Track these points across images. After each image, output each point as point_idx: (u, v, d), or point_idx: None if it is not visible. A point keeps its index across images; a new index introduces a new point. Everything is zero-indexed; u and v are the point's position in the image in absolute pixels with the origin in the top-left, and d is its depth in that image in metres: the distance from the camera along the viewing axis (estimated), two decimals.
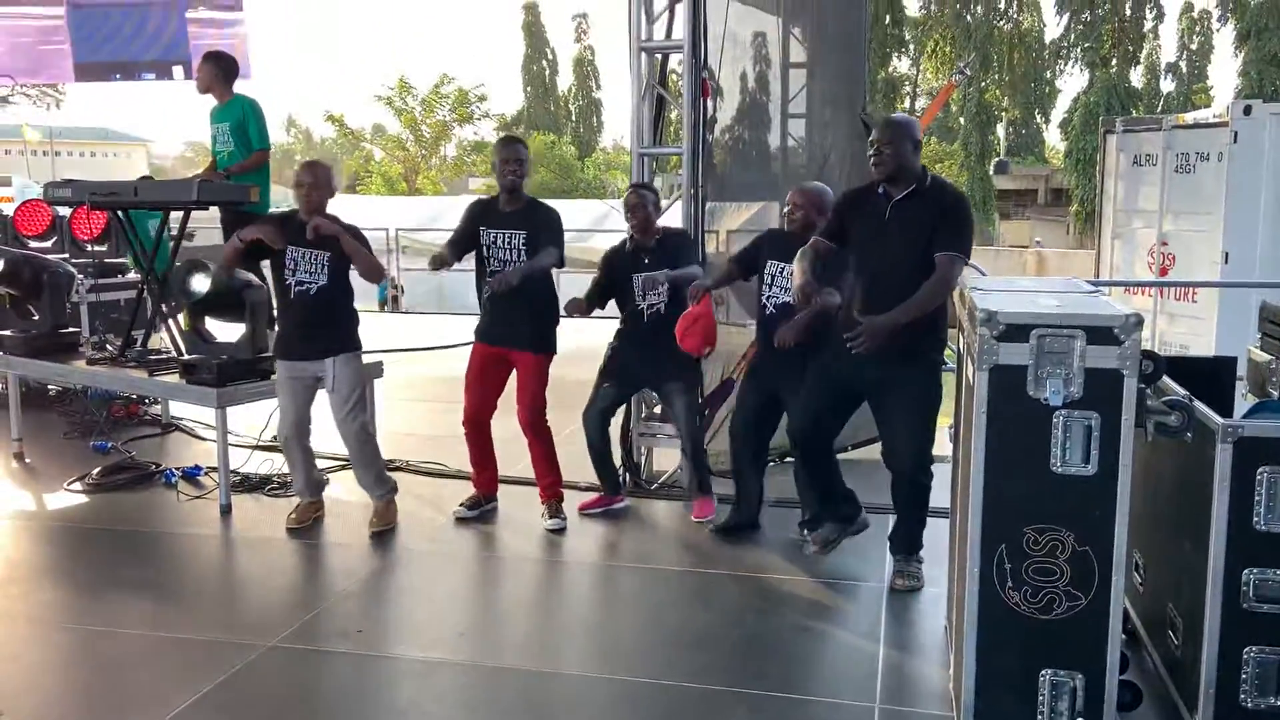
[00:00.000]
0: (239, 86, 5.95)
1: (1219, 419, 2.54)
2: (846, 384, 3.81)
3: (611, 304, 4.73)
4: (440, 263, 4.41)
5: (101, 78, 8.02)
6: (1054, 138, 40.26)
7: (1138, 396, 2.47)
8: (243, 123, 5.78)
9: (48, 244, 7.06)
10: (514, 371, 4.57)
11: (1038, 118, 39.58)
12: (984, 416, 2.53)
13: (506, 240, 4.44)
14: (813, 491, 4.12)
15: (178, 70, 7.82)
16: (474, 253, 4.52)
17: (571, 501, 4.74)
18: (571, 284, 5.35)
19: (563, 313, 4.58)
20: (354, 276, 4.45)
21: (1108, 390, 2.45)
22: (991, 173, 34.79)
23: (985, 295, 2.75)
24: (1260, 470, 2.51)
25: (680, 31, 4.96)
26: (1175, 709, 2.81)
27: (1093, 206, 15.75)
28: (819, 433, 3.91)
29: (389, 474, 4.72)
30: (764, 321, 4.34)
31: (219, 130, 5.87)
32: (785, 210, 4.35)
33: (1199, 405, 2.66)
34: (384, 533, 4.49)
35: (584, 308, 4.58)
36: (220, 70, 5.86)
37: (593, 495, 4.82)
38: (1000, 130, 38.23)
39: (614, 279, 4.65)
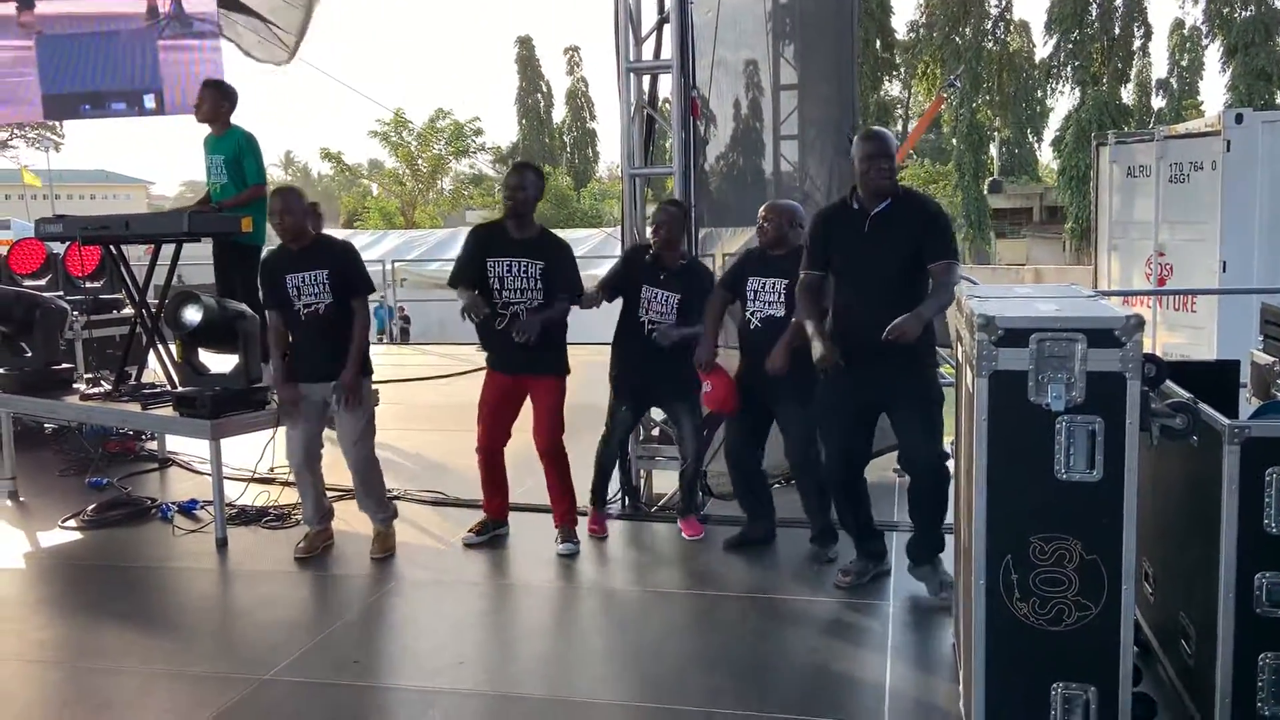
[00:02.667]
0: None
1: (1225, 420, 2.50)
2: (857, 402, 3.78)
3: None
4: (476, 309, 4.27)
5: (70, 110, 7.80)
6: (1047, 156, 40.44)
7: (1141, 399, 2.42)
8: (238, 157, 5.70)
9: (42, 281, 7.04)
10: (527, 398, 4.54)
11: (1030, 137, 39.76)
12: (985, 424, 2.48)
13: (523, 269, 4.37)
14: (847, 516, 4.04)
15: (149, 99, 7.52)
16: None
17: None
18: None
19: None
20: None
21: (1110, 394, 2.40)
22: (986, 192, 34.90)
23: (983, 301, 2.71)
24: (1270, 471, 2.47)
25: (668, 51, 4.96)
26: None
27: (1087, 223, 15.78)
28: (852, 465, 3.91)
29: (390, 500, 4.68)
30: (749, 336, 4.31)
31: (213, 162, 5.80)
32: (758, 224, 4.35)
33: (1204, 407, 2.62)
34: (385, 559, 4.44)
35: (597, 300, 4.61)
36: (222, 99, 5.79)
37: (589, 515, 4.76)
38: (993, 150, 38.41)
39: (628, 278, 4.61)
